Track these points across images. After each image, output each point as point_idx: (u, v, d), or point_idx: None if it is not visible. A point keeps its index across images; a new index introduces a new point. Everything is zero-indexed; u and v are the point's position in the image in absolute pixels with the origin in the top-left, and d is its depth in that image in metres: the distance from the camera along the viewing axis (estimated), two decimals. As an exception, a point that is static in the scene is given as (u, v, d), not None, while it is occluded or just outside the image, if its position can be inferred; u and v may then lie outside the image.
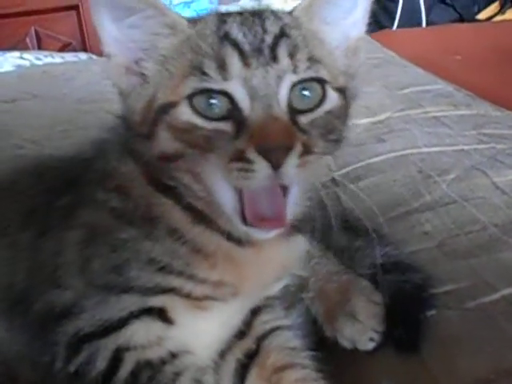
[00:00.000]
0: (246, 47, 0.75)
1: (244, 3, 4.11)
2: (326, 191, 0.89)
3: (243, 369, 0.89)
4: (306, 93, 0.77)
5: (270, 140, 0.71)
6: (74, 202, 0.86)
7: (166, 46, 0.80)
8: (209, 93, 0.75)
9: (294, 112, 0.76)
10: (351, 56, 0.86)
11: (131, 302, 0.79)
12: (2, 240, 0.93)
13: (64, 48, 4.46)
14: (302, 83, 0.77)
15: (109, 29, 0.80)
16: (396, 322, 0.96)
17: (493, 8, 3.63)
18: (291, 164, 0.72)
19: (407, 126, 1.75)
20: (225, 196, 0.77)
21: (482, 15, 3.65)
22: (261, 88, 0.74)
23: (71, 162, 1.00)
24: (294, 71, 0.76)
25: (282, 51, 0.76)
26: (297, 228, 0.88)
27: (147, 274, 0.79)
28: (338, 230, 1.05)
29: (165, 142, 0.78)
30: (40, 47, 4.46)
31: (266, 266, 0.86)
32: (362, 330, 0.96)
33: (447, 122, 1.77)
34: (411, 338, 0.94)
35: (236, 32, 0.77)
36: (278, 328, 0.92)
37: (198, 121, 0.75)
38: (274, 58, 0.75)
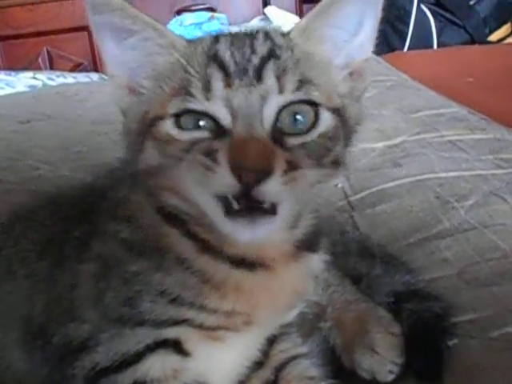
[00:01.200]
0: (231, 68, 0.75)
1: (254, 24, 4.14)
2: (343, 216, 0.88)
3: None
4: (298, 117, 0.76)
5: (245, 159, 0.70)
6: (88, 232, 0.87)
7: (162, 64, 0.81)
8: (194, 114, 0.75)
9: (281, 134, 0.75)
10: (356, 78, 0.85)
11: (146, 335, 0.79)
12: (21, 270, 0.93)
13: (75, 68, 4.51)
14: (291, 105, 0.76)
15: (110, 50, 0.82)
16: (416, 352, 0.95)
17: (504, 30, 3.63)
18: (273, 184, 0.70)
19: (423, 150, 1.74)
20: (207, 203, 0.75)
21: (493, 37, 3.65)
22: (242, 108, 0.73)
23: (87, 190, 1.01)
24: (281, 92, 0.75)
25: (268, 72, 0.75)
26: (307, 247, 0.87)
27: (160, 307, 0.79)
28: (356, 257, 1.05)
29: (149, 154, 0.79)
30: (52, 67, 4.52)
31: (279, 291, 0.85)
32: (380, 363, 0.94)
33: (463, 147, 1.76)
34: (432, 367, 0.93)
35: (224, 52, 0.77)
36: (295, 357, 0.92)
37: (176, 133, 0.76)
38: (259, 78, 0.75)
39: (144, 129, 0.79)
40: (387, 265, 1.10)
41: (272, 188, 0.70)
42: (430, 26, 3.57)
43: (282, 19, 4.13)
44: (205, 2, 4.48)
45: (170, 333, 0.80)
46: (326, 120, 0.78)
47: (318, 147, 0.76)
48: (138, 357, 0.78)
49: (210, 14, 4.18)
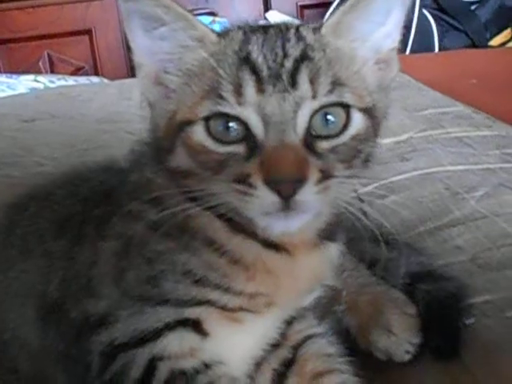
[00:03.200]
0: (264, 72, 0.74)
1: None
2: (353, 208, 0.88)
3: (280, 377, 0.89)
4: (329, 117, 0.76)
5: (279, 171, 0.70)
6: (109, 212, 0.87)
7: (191, 60, 0.80)
8: (225, 117, 0.75)
9: (312, 138, 0.74)
10: (384, 68, 0.85)
11: (166, 314, 0.79)
12: (38, 249, 0.94)
13: (76, 72, 4.54)
14: (323, 108, 0.75)
15: (139, 39, 0.81)
16: (432, 331, 0.96)
17: (505, 35, 3.68)
18: (307, 193, 0.71)
19: (430, 145, 1.77)
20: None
21: (494, 42, 3.70)
22: (275, 115, 0.73)
23: (106, 174, 1.01)
24: (314, 97, 0.74)
25: (302, 77, 0.74)
26: (327, 236, 0.88)
27: (183, 287, 0.79)
28: (370, 242, 1.06)
29: (180, 157, 0.79)
30: (53, 71, 4.54)
31: (300, 275, 0.86)
32: (396, 343, 0.95)
33: (470, 143, 1.78)
34: (449, 345, 0.94)
35: (256, 55, 0.76)
36: (312, 336, 0.92)
37: (211, 144, 0.76)
38: (293, 84, 0.74)
39: (173, 131, 0.79)
40: (401, 249, 1.10)
41: (306, 197, 0.71)
42: (432, 30, 3.60)
43: (283, 24, 4.17)
44: (206, 7, 4.50)
45: (191, 313, 0.80)
46: (358, 121, 0.78)
47: (349, 150, 0.77)
48: (156, 334, 0.79)
49: (211, 18, 4.19)
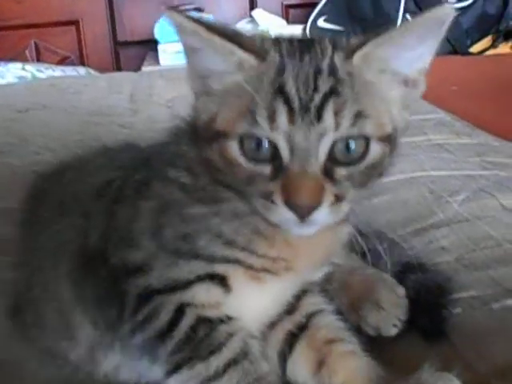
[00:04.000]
0: (295, 104, 0.79)
1: (241, 26, 4.24)
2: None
3: (293, 338, 0.97)
4: (350, 147, 0.81)
5: (298, 196, 0.78)
6: (148, 176, 0.95)
7: (229, 81, 0.85)
8: (257, 138, 0.81)
9: (331, 165, 0.81)
10: (411, 87, 0.88)
11: (198, 267, 0.88)
12: (75, 210, 1.03)
13: (62, 61, 4.57)
14: (345, 138, 0.81)
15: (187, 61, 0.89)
16: (420, 312, 1.04)
17: (485, 42, 3.78)
18: (321, 214, 0.80)
19: (413, 151, 1.84)
20: None
21: (474, 48, 3.81)
22: (301, 144, 0.79)
23: (145, 148, 1.12)
24: (337, 129, 0.79)
25: (328, 111, 0.78)
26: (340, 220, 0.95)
27: (214, 245, 0.88)
28: (361, 235, 1.15)
29: (215, 157, 0.86)
30: (39, 60, 4.56)
31: (316, 249, 0.94)
32: (386, 317, 1.03)
33: (451, 149, 1.87)
34: (436, 326, 1.03)
35: (290, 87, 0.80)
36: (324, 310, 1.00)
37: (243, 161, 0.83)
38: (319, 118, 0.79)
39: (211, 133, 0.86)
40: (391, 244, 1.20)
41: (320, 217, 0.80)
42: (414, 36, 3.69)
43: (269, 22, 4.23)
44: (192, 2, 4.55)
45: (220, 268, 0.89)
46: (375, 151, 0.82)
47: (363, 176, 0.83)
48: (187, 284, 0.88)
49: (198, 14, 4.24)
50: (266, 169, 0.82)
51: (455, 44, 3.71)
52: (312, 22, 4.17)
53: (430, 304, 1.07)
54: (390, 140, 0.85)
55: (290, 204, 0.79)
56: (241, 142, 0.82)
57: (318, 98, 0.79)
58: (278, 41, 0.88)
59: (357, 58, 0.84)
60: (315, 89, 0.80)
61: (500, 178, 1.63)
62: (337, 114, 0.79)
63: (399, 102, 0.88)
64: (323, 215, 0.80)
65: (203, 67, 0.87)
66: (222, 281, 0.90)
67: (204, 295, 0.89)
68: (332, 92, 0.80)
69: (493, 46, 3.77)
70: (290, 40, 0.89)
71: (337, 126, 0.79)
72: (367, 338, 1.01)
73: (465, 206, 1.48)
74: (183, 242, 0.88)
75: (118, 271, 0.91)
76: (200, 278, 0.89)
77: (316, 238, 0.90)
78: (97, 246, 0.96)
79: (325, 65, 0.83)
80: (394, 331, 1.03)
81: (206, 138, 0.88)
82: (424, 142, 1.95)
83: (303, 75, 0.81)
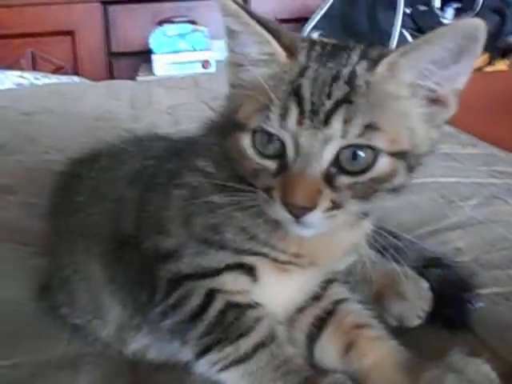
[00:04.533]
0: (307, 107, 0.81)
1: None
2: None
3: (320, 322, 0.99)
4: (358, 156, 0.81)
5: (292, 196, 0.80)
6: (179, 166, 0.98)
7: (256, 74, 0.88)
8: (269, 133, 0.84)
9: (334, 172, 0.82)
10: (441, 105, 0.87)
11: (227, 257, 0.91)
12: (109, 195, 1.05)
13: (57, 71, 4.55)
14: (352, 147, 0.81)
15: (226, 40, 0.91)
16: (444, 304, 1.06)
17: (483, 59, 3.82)
18: (314, 217, 0.81)
19: (421, 159, 1.87)
20: None
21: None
22: (305, 146, 0.81)
23: (175, 140, 1.15)
24: (343, 136, 0.80)
25: (337, 118, 0.80)
26: (359, 216, 0.94)
27: (240, 240, 0.91)
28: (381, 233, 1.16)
29: (230, 147, 0.90)
30: (34, 68, 4.54)
31: (339, 243, 0.97)
32: (410, 308, 1.04)
33: (459, 158, 1.90)
34: (460, 317, 1.04)
35: (305, 89, 0.82)
36: (349, 299, 1.02)
37: (252, 153, 0.86)
38: (326, 123, 0.80)
39: (231, 123, 0.89)
40: (410, 241, 1.21)
41: (313, 220, 0.81)
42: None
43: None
44: (186, 15, 4.57)
45: (248, 259, 0.92)
46: (382, 165, 0.82)
47: (366, 188, 0.83)
48: (217, 272, 0.91)
49: (192, 26, 4.28)
50: (272, 164, 0.85)
51: (453, 61, 3.76)
52: (307, 36, 4.18)
53: (453, 297, 1.08)
54: (405, 157, 0.84)
55: (285, 202, 0.81)
56: (253, 135, 0.86)
57: (329, 103, 0.81)
58: (313, 42, 0.90)
59: (381, 67, 0.84)
60: (329, 95, 0.81)
61: (510, 187, 1.65)
62: (346, 121, 0.80)
63: (424, 120, 0.86)
64: (317, 219, 0.81)
65: (239, 52, 0.90)
66: (249, 270, 0.92)
67: (233, 283, 0.91)
68: (345, 100, 0.81)
69: (490, 63, 3.81)
70: (325, 43, 0.91)
71: (344, 133, 0.80)
72: (390, 329, 1.01)
73: (477, 210, 1.49)
74: (212, 233, 0.91)
75: (149, 256, 0.94)
76: (229, 267, 0.91)
77: (333, 235, 0.93)
78: (129, 231, 0.98)
79: (345, 72, 0.84)
80: (417, 322, 1.04)
81: (227, 129, 0.91)
82: (432, 151, 1.97)
83: (321, 80, 0.83)
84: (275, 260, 0.93)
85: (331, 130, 0.80)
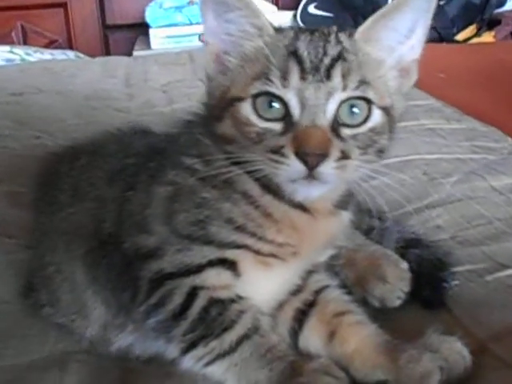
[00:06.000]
0: (307, 64, 0.89)
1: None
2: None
3: (302, 314, 1.04)
4: (354, 110, 0.90)
5: (307, 145, 0.86)
6: (162, 164, 1.01)
7: (249, 47, 0.95)
8: (270, 96, 0.90)
9: (338, 124, 0.90)
10: (405, 75, 0.98)
11: (210, 252, 0.94)
12: (90, 194, 1.08)
13: (50, 45, 4.53)
14: (350, 100, 0.90)
15: (210, 20, 0.96)
16: (422, 284, 1.12)
17: (470, 30, 3.87)
18: (328, 167, 0.87)
19: (406, 135, 1.91)
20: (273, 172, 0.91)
21: (459, 36, 3.91)
22: (311, 99, 0.88)
23: (158, 136, 1.18)
24: (344, 89, 0.89)
25: (336, 72, 0.89)
26: (341, 205, 1.03)
27: (225, 231, 0.94)
28: (366, 214, 1.22)
29: (227, 126, 0.94)
30: (26, 42, 4.52)
31: (320, 234, 1.01)
32: (390, 290, 1.10)
33: (442, 134, 1.96)
34: (437, 297, 1.11)
35: (302, 50, 0.91)
36: (329, 286, 1.07)
37: (255, 118, 0.91)
38: (328, 76, 0.89)
39: (224, 103, 0.95)
40: (394, 221, 1.28)
41: (327, 170, 0.87)
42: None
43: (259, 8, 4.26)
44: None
45: (231, 254, 0.95)
46: (377, 116, 0.92)
47: (366, 139, 0.92)
48: (199, 268, 0.94)
49: (188, -2, 4.28)
50: (277, 126, 0.90)
51: (441, 32, 3.81)
52: (303, 8, 4.24)
53: (430, 277, 1.15)
54: (388, 114, 0.95)
55: (299, 153, 0.86)
56: (253, 102, 0.91)
57: (327, 60, 0.90)
58: (290, 26, 1.01)
59: (358, 34, 0.95)
60: (325, 53, 0.91)
61: (488, 162, 1.73)
62: (344, 76, 0.89)
63: (395, 85, 0.98)
64: (330, 169, 0.87)
65: (228, 29, 0.95)
66: (232, 265, 0.96)
67: (215, 278, 0.95)
68: (339, 56, 0.91)
69: (477, 34, 3.87)
70: (300, 26, 1.00)
71: (344, 86, 0.89)
72: (372, 310, 1.08)
73: (457, 187, 1.57)
74: (196, 228, 0.94)
75: (131, 256, 0.96)
76: (211, 263, 0.94)
77: (320, 223, 0.99)
78: (111, 231, 1.01)
79: (332, 38, 0.94)
80: (398, 302, 1.11)
81: (218, 112, 0.96)
82: (416, 127, 2.03)
83: (314, 43, 0.92)
84: (258, 252, 0.96)
85: (333, 83, 0.89)
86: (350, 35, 0.96)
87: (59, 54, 4.05)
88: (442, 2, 3.80)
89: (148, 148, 1.10)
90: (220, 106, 0.96)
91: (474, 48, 3.55)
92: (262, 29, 0.95)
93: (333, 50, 0.91)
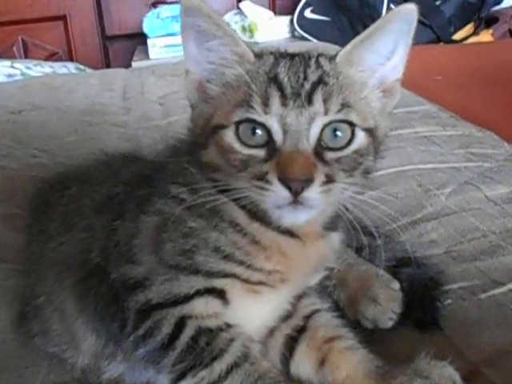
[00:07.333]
0: (288, 90, 0.90)
1: (229, 18, 4.27)
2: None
3: (292, 341, 1.04)
4: (337, 133, 0.90)
5: (291, 170, 0.86)
6: (149, 193, 1.01)
7: (230, 75, 0.96)
8: (252, 123, 0.90)
9: (322, 148, 0.90)
10: (388, 95, 0.99)
11: (197, 282, 0.94)
12: (79, 224, 1.08)
13: (50, 57, 4.56)
14: (332, 124, 0.90)
15: (191, 49, 0.97)
16: (414, 305, 1.12)
17: (467, 29, 3.85)
18: (313, 192, 0.87)
19: (401, 144, 1.91)
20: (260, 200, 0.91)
21: (457, 36, 3.89)
22: (293, 125, 0.88)
23: (145, 163, 1.18)
24: (326, 113, 0.89)
25: (317, 97, 0.89)
26: (330, 227, 1.03)
27: (213, 261, 0.94)
28: (357, 232, 1.22)
29: (211, 154, 0.95)
30: (27, 56, 4.54)
31: (309, 258, 1.01)
32: (382, 311, 1.10)
33: (437, 142, 1.95)
34: (430, 317, 1.10)
35: (283, 76, 0.91)
36: (320, 310, 1.07)
37: (238, 146, 0.91)
38: (309, 101, 0.89)
39: (208, 131, 0.95)
40: (386, 239, 1.27)
41: (312, 195, 0.87)
42: (398, 25, 3.74)
43: (256, 14, 4.27)
44: (179, -5, 4.56)
45: (218, 283, 0.95)
46: (360, 138, 0.92)
47: (351, 161, 0.92)
48: (187, 298, 0.93)
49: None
50: (260, 152, 0.90)
51: (438, 32, 3.80)
52: (299, 13, 4.24)
53: (423, 296, 1.14)
54: (373, 135, 0.95)
55: (283, 179, 0.86)
56: (236, 129, 0.92)
57: (307, 85, 0.91)
58: (270, 50, 1.00)
59: (339, 57, 0.96)
60: (305, 78, 0.91)
61: (483, 170, 1.71)
62: (325, 100, 0.90)
63: (379, 106, 0.98)
64: (315, 193, 0.87)
65: (209, 57, 0.97)
66: (220, 294, 0.96)
67: (203, 308, 0.94)
68: (320, 81, 0.91)
69: (474, 33, 3.85)
70: (281, 51, 1.01)
71: (326, 110, 0.90)
72: (365, 330, 1.09)
73: (452, 198, 1.56)
74: (183, 258, 0.94)
75: (118, 287, 0.96)
76: (199, 292, 0.94)
77: (309, 248, 0.99)
78: (98, 261, 1.01)
79: (312, 62, 0.95)
80: (390, 324, 1.11)
81: (203, 140, 0.96)
82: (411, 135, 2.02)
83: (295, 68, 0.93)
84: (247, 281, 0.96)
85: (314, 107, 0.89)
86: (331, 59, 0.96)
87: (59, 67, 4.05)
88: (438, 2, 3.79)
89: (135, 176, 1.10)
90: (204, 133, 0.96)
91: (472, 48, 3.54)
92: (242, 56, 0.96)
93: (313, 75, 0.92)
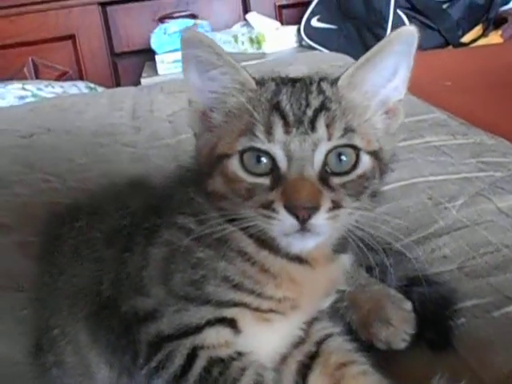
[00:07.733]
0: (290, 118, 0.90)
1: (236, 30, 4.28)
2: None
3: (305, 368, 1.03)
4: (342, 157, 0.90)
5: (297, 198, 0.86)
6: (156, 224, 1.01)
7: (233, 103, 0.96)
8: (256, 151, 0.91)
9: (327, 174, 0.90)
10: (391, 116, 0.99)
11: (208, 312, 0.93)
12: (89, 256, 1.09)
13: (60, 77, 4.60)
14: (337, 149, 0.90)
15: (193, 79, 0.97)
16: (427, 325, 1.11)
17: (476, 31, 3.83)
18: (319, 218, 0.86)
19: (411, 155, 1.89)
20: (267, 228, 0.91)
21: (465, 38, 3.86)
22: (297, 152, 0.88)
23: (153, 191, 1.19)
24: (329, 139, 0.89)
25: (320, 123, 0.89)
26: (339, 249, 1.02)
27: (222, 290, 0.94)
28: (369, 250, 1.21)
29: (217, 183, 0.95)
30: (37, 76, 4.58)
31: (320, 283, 1.01)
32: (395, 333, 1.09)
33: (447, 151, 1.92)
34: (443, 337, 1.09)
35: (285, 103, 0.91)
36: (332, 334, 1.06)
37: (243, 174, 0.92)
38: (312, 128, 0.89)
39: (212, 160, 0.95)
40: (398, 256, 1.24)
41: (319, 221, 0.87)
42: (407, 31, 3.73)
43: (263, 25, 4.28)
44: (186, 9, 4.62)
45: (229, 312, 0.94)
46: (365, 162, 0.92)
47: (357, 186, 0.92)
48: (198, 329, 0.93)
49: (192, 21, 4.30)
50: (266, 180, 0.90)
51: (447, 35, 3.77)
52: (306, 22, 4.24)
53: (435, 316, 1.13)
54: (378, 157, 0.95)
55: (289, 207, 0.86)
56: (241, 158, 0.92)
57: (310, 111, 0.91)
58: (272, 76, 1.00)
59: (341, 81, 0.97)
60: (307, 105, 0.91)
61: (495, 179, 1.69)
62: (328, 126, 0.90)
63: (383, 127, 0.98)
64: (322, 220, 0.87)
65: (212, 86, 0.97)
66: (231, 323, 0.95)
67: (215, 337, 0.94)
68: (322, 107, 0.91)
69: (483, 34, 3.82)
70: (282, 76, 1.01)
71: (329, 136, 0.90)
72: (379, 352, 1.08)
73: (463, 211, 1.53)
74: (192, 288, 0.94)
75: (129, 319, 0.97)
76: (210, 323, 0.94)
77: (319, 273, 0.99)
78: (108, 294, 1.01)
79: (314, 88, 0.95)
80: (403, 345, 1.09)
81: (208, 169, 0.96)
82: (421, 145, 2.00)
83: (296, 95, 0.93)
84: (257, 309, 0.96)
85: (318, 134, 0.89)
86: (333, 83, 0.96)
87: (69, 87, 4.08)
88: (445, 6, 3.77)
89: (143, 207, 1.10)
90: (209, 163, 0.97)
91: (480, 51, 3.52)
92: (243, 84, 0.96)
93: (315, 101, 0.92)
